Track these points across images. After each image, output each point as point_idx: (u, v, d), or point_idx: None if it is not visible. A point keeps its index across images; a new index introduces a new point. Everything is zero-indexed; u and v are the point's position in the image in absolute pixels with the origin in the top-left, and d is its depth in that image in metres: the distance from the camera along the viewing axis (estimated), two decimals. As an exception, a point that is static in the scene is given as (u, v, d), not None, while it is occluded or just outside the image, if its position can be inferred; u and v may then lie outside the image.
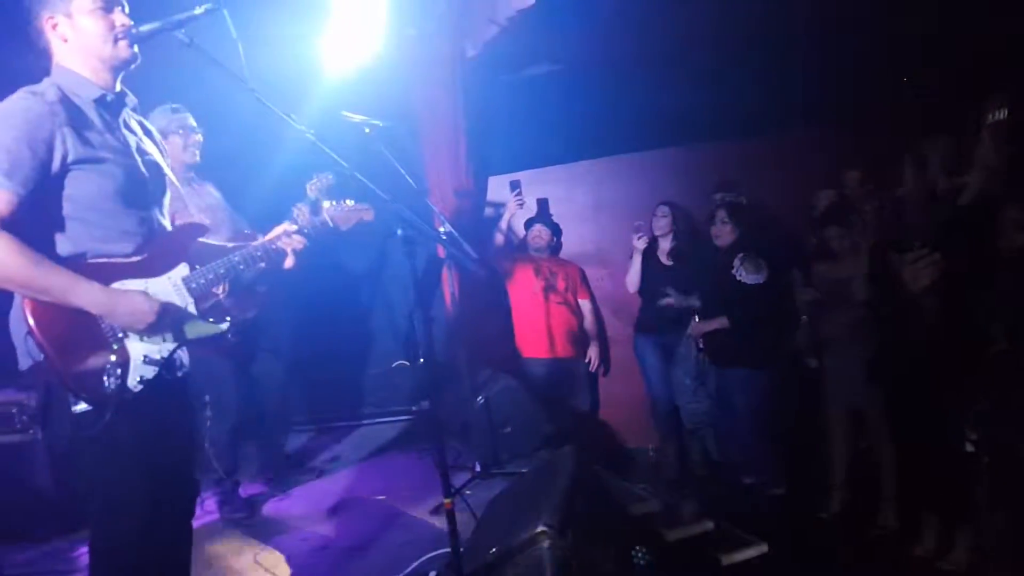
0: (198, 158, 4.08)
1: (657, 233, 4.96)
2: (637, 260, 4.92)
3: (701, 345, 4.58)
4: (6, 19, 2.20)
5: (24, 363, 2.06)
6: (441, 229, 3.82)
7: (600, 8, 4.81)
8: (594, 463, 3.75)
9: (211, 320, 2.26)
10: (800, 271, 4.42)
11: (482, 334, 5.25)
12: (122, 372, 2.04)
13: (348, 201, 2.61)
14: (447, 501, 2.72)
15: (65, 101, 2.05)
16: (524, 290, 5.09)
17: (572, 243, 5.47)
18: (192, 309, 2.22)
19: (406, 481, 4.75)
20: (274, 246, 2.42)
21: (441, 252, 5.28)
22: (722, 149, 5.36)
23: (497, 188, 5.64)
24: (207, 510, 4.27)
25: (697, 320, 4.57)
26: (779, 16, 4.97)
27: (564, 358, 5.05)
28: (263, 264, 2.41)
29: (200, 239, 2.33)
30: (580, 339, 5.15)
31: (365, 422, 6.32)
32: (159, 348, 2.12)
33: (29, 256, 1.92)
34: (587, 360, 5.16)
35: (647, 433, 5.17)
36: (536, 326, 5.03)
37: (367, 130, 3.31)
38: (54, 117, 1.99)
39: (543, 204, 5.44)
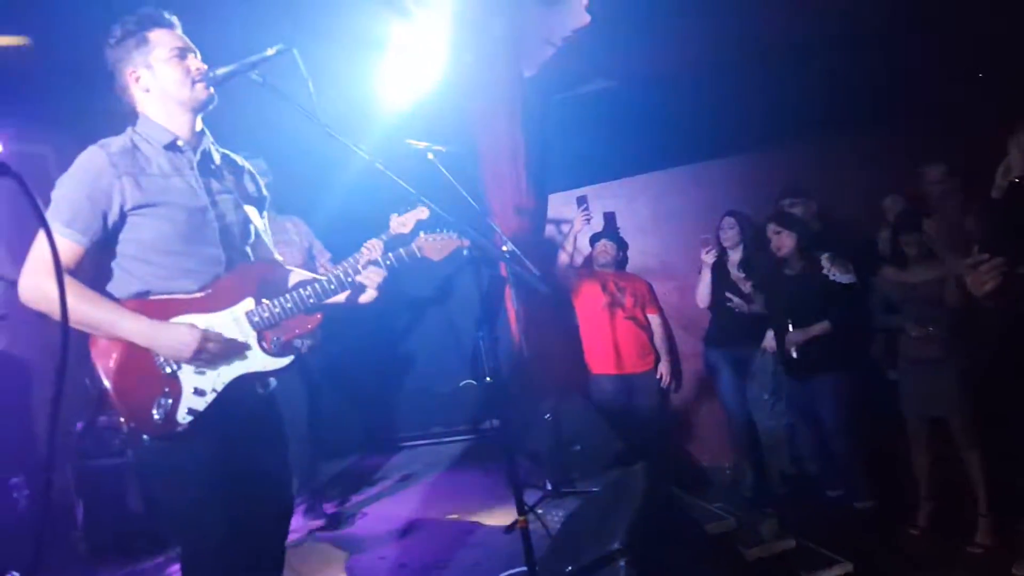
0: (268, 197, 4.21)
1: (726, 245, 4.88)
2: (706, 275, 4.85)
3: (795, 354, 4.35)
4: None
5: (94, 391, 2.15)
6: (504, 248, 3.86)
7: (654, 22, 4.81)
8: (667, 481, 3.70)
9: (274, 354, 2.27)
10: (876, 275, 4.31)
11: (548, 352, 5.25)
12: (172, 403, 2.10)
13: (444, 232, 2.59)
14: (521, 519, 2.72)
15: (132, 151, 2.18)
16: (591, 306, 5.07)
17: (635, 257, 5.44)
18: (252, 343, 2.24)
19: (477, 500, 4.77)
20: (350, 278, 2.40)
21: (504, 271, 5.33)
22: (786, 154, 5.27)
23: (557, 205, 5.66)
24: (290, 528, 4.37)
25: (792, 330, 4.38)
26: (845, 17, 4.87)
27: (634, 374, 5.00)
28: (338, 297, 2.40)
29: (271, 273, 2.37)
30: (650, 354, 5.09)
31: (434, 441, 6.38)
32: (212, 381, 2.16)
33: (78, 292, 2.04)
34: (658, 376, 5.11)
35: (722, 450, 5.08)
36: (604, 342, 5.00)
37: (430, 155, 3.39)
38: (114, 168, 2.11)
39: (610, 218, 5.42)
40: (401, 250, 2.53)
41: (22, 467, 4.54)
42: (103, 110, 2.41)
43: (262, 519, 2.29)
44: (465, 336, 6.29)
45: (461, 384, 6.58)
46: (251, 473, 2.23)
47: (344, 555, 4.10)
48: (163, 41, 2.24)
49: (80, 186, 2.09)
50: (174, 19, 2.31)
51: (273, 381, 2.40)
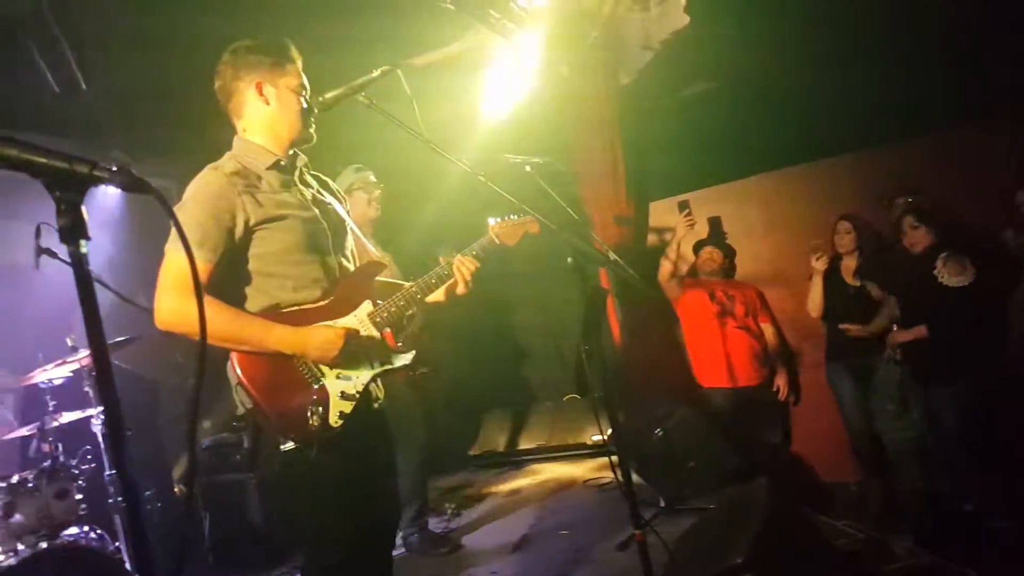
0: (379, 212, 4.35)
1: (841, 251, 4.64)
2: (818, 283, 4.61)
3: (899, 356, 4.17)
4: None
5: (240, 410, 2.24)
6: (609, 258, 3.81)
7: (756, 20, 4.66)
8: (790, 497, 3.53)
9: (399, 350, 2.36)
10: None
11: (654, 364, 5.14)
12: (323, 410, 2.16)
13: (512, 216, 2.63)
14: (638, 533, 2.66)
15: (242, 171, 2.24)
16: (698, 317, 4.91)
17: (745, 263, 5.24)
18: (379, 343, 2.33)
19: (586, 515, 4.70)
20: (446, 272, 2.47)
21: (605, 282, 5.26)
22: (901, 150, 4.96)
23: (660, 213, 5.54)
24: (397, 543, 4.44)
25: (896, 329, 4.18)
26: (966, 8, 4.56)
27: (748, 387, 4.79)
28: (438, 294, 2.49)
29: (378, 276, 2.47)
30: (764, 366, 4.88)
31: (541, 456, 6.35)
32: (353, 384, 2.23)
33: (227, 312, 2.11)
34: (774, 388, 4.89)
35: (846, 465, 4.80)
36: (714, 354, 4.82)
37: (528, 168, 3.38)
38: (233, 188, 2.17)
39: (715, 224, 5.25)
40: (483, 240, 2.58)
41: (153, 481, 4.81)
42: (215, 142, 2.51)
43: (377, 532, 2.35)
44: (568, 349, 6.24)
45: (566, 398, 6.53)
46: (371, 486, 2.30)
47: (456, 571, 4.12)
48: (295, 73, 2.32)
49: (204, 207, 2.13)
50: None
51: (382, 394, 2.43)
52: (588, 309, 3.68)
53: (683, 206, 4.94)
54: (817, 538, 3.21)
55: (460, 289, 2.50)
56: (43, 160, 1.12)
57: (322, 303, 2.27)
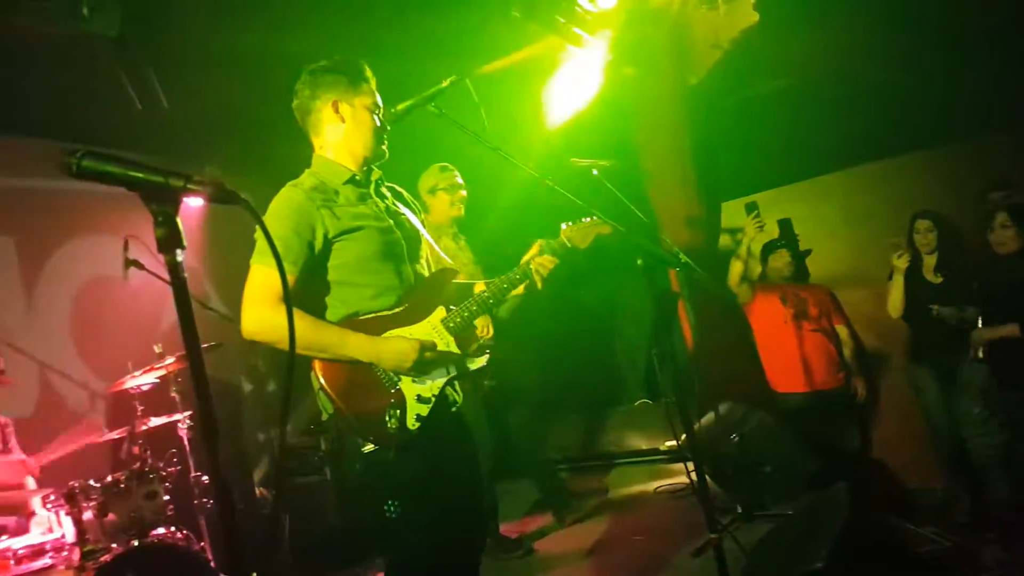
0: (463, 212, 4.41)
1: (921, 249, 4.48)
2: (898, 282, 4.45)
3: (981, 355, 4.00)
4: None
5: (324, 416, 2.33)
6: (680, 260, 3.77)
7: (828, 12, 4.54)
8: (872, 503, 3.43)
9: (471, 356, 2.42)
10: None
11: (726, 368, 5.05)
12: (401, 413, 2.24)
13: (584, 219, 2.64)
14: (713, 536, 2.63)
15: (320, 187, 2.34)
16: (771, 320, 4.80)
17: (824, 264, 5.11)
18: (453, 347, 2.38)
19: (660, 522, 4.65)
20: (517, 276, 2.50)
21: (675, 285, 5.20)
22: (990, 144, 4.76)
23: (731, 213, 5.44)
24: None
25: (981, 325, 4.01)
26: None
27: (825, 390, 4.66)
28: (514, 292, 2.51)
29: (453, 281, 2.52)
30: (841, 369, 4.75)
31: (612, 462, 6.30)
32: (429, 387, 2.30)
33: (306, 321, 2.20)
34: (851, 391, 4.75)
35: (931, 471, 4.62)
36: (789, 357, 4.71)
37: (595, 171, 3.38)
38: (312, 203, 2.27)
39: (785, 226, 5.14)
40: (553, 242, 2.59)
41: (235, 484, 4.97)
42: (289, 157, 2.61)
43: (461, 535, 2.39)
44: (639, 353, 6.19)
45: (638, 403, 6.47)
46: (453, 487, 2.34)
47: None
48: (369, 92, 2.41)
49: (285, 221, 2.23)
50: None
51: (460, 398, 2.49)
52: (658, 312, 3.66)
53: (751, 208, 4.82)
54: (900, 545, 3.12)
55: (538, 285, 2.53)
56: (141, 175, 1.18)
57: (397, 310, 2.34)
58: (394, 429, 2.21)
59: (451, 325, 2.38)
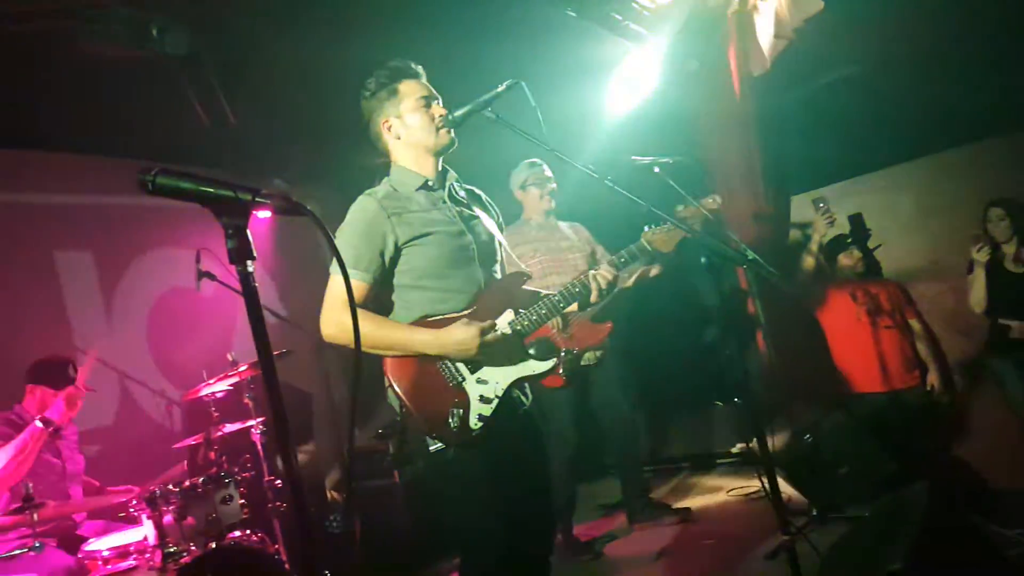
0: (553, 205, 4.53)
1: (998, 239, 4.29)
2: (980, 276, 4.27)
3: None
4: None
5: (396, 415, 2.40)
6: (748, 257, 3.69)
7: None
8: (954, 504, 3.28)
9: (538, 358, 2.43)
10: None
11: (798, 368, 4.91)
12: (463, 412, 2.30)
13: (666, 224, 2.63)
14: (786, 538, 2.57)
15: (393, 195, 2.45)
16: (843, 318, 4.65)
17: (898, 257, 4.94)
18: (519, 349, 2.42)
19: (732, 525, 4.56)
20: (587, 282, 2.52)
21: (744, 283, 5.09)
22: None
23: (802, 207, 5.30)
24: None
25: None
26: None
27: (902, 389, 4.51)
28: (579, 298, 2.52)
29: (523, 286, 2.54)
30: (916, 366, 4.58)
31: (683, 465, 6.21)
32: (492, 388, 2.34)
33: (375, 321, 2.35)
34: (928, 388, 4.57)
35: (1018, 469, 4.41)
36: (864, 356, 4.55)
37: (656, 169, 3.34)
38: (384, 211, 2.38)
39: (855, 221, 4.97)
40: (632, 246, 2.61)
41: (307, 487, 5.07)
42: (358, 165, 2.67)
43: (530, 536, 2.41)
44: (709, 353, 6.06)
45: (709, 405, 6.34)
46: (521, 489, 2.38)
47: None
48: (411, 91, 2.48)
49: (357, 230, 2.38)
50: (420, 69, 2.54)
51: (528, 400, 2.53)
52: (727, 312, 3.58)
53: (818, 203, 4.67)
54: (984, 547, 2.97)
55: (593, 297, 2.54)
56: (212, 190, 1.22)
57: (465, 312, 2.40)
58: (456, 428, 2.28)
59: (519, 327, 2.42)
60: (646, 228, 2.64)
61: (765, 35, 4.71)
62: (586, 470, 5.07)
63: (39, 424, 3.56)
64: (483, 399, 2.33)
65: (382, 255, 2.37)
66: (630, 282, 4.17)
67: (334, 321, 2.32)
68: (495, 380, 2.36)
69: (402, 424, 2.38)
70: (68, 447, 4.00)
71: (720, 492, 5.37)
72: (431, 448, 2.30)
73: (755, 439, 2.91)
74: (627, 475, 4.75)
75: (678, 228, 2.62)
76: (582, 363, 4.40)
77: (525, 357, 2.42)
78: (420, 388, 2.32)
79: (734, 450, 5.87)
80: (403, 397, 2.31)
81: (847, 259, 4.73)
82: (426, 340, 2.32)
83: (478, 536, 2.31)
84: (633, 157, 3.35)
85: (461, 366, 2.36)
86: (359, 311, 2.21)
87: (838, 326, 4.69)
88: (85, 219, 5.03)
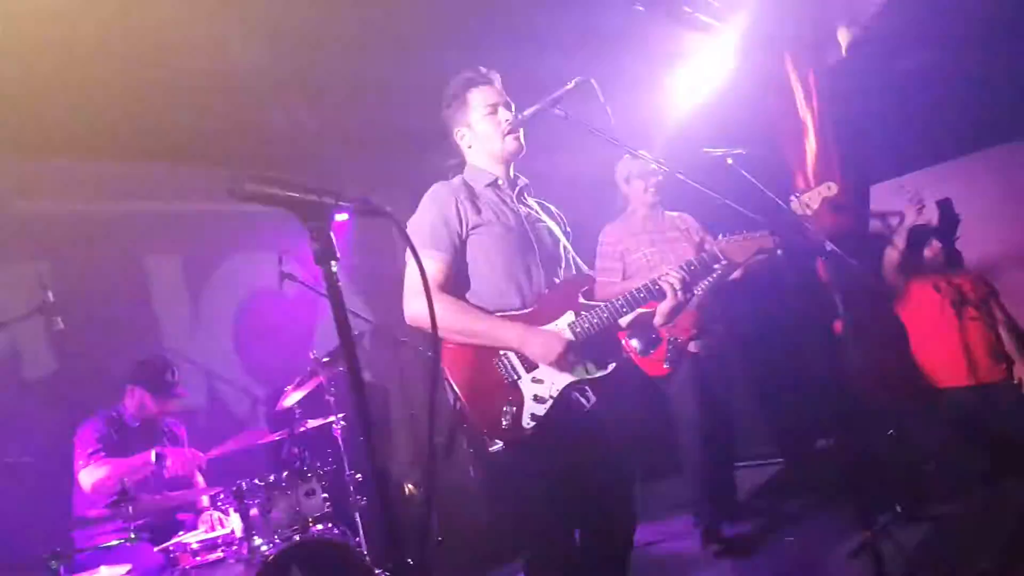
0: (657, 196, 4.48)
1: None
2: None
3: None
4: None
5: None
6: (826, 248, 3.60)
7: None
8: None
9: (595, 363, 2.40)
10: None
11: (881, 362, 4.75)
12: (516, 410, 2.29)
13: (742, 233, 2.54)
14: (869, 536, 2.51)
15: (464, 186, 2.52)
16: (926, 310, 4.48)
17: (982, 246, 4.72)
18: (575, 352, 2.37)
19: (813, 522, 4.45)
20: (657, 286, 2.45)
21: (823, 274, 4.96)
22: None
23: (881, 196, 5.13)
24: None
25: None
26: None
27: (989, 382, 4.31)
28: (644, 303, 2.45)
29: (586, 288, 2.51)
30: (1003, 359, 4.38)
31: (763, 462, 6.08)
32: (547, 388, 2.32)
33: (457, 305, 2.37)
34: (1015, 381, 4.37)
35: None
36: (951, 350, 4.38)
37: (729, 160, 3.30)
38: (456, 194, 2.45)
39: (945, 208, 4.76)
40: (703, 254, 2.53)
41: (386, 480, 5.19)
42: (431, 169, 2.74)
43: (601, 535, 2.40)
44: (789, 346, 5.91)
45: (788, 402, 6.19)
46: (588, 488, 2.36)
47: (677, 574, 4.07)
48: (479, 100, 2.53)
49: (432, 212, 2.43)
50: (492, 74, 2.58)
51: (588, 402, 2.49)
52: (803, 304, 3.50)
53: (903, 190, 4.50)
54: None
55: (667, 303, 2.46)
56: (298, 195, 1.28)
57: (524, 311, 2.40)
58: (507, 427, 2.27)
59: (577, 330, 2.38)
60: (721, 236, 2.55)
61: (839, 22, 4.59)
62: (661, 466, 5.01)
63: (152, 459, 3.76)
64: (537, 399, 2.31)
65: (456, 236, 2.42)
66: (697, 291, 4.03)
67: (415, 307, 2.35)
68: (551, 380, 2.33)
69: (455, 416, 2.36)
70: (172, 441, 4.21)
71: (800, 489, 5.25)
72: (492, 449, 2.29)
73: (836, 436, 2.86)
74: (712, 472, 4.66)
75: (753, 239, 2.51)
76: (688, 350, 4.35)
77: (579, 361, 2.38)
78: (475, 382, 2.32)
79: (816, 445, 5.71)
80: (457, 389, 2.31)
81: (929, 250, 4.56)
82: (513, 332, 2.32)
83: (536, 535, 2.31)
84: (705, 149, 3.32)
85: (518, 364, 2.35)
86: (444, 296, 2.31)
87: (921, 318, 4.53)
88: (173, 225, 5.27)
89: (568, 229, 2.74)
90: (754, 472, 5.75)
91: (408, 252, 2.26)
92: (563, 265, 2.60)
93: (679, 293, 2.43)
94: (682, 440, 4.43)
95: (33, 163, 4.58)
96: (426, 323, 2.25)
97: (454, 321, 2.31)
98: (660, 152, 4.37)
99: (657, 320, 2.50)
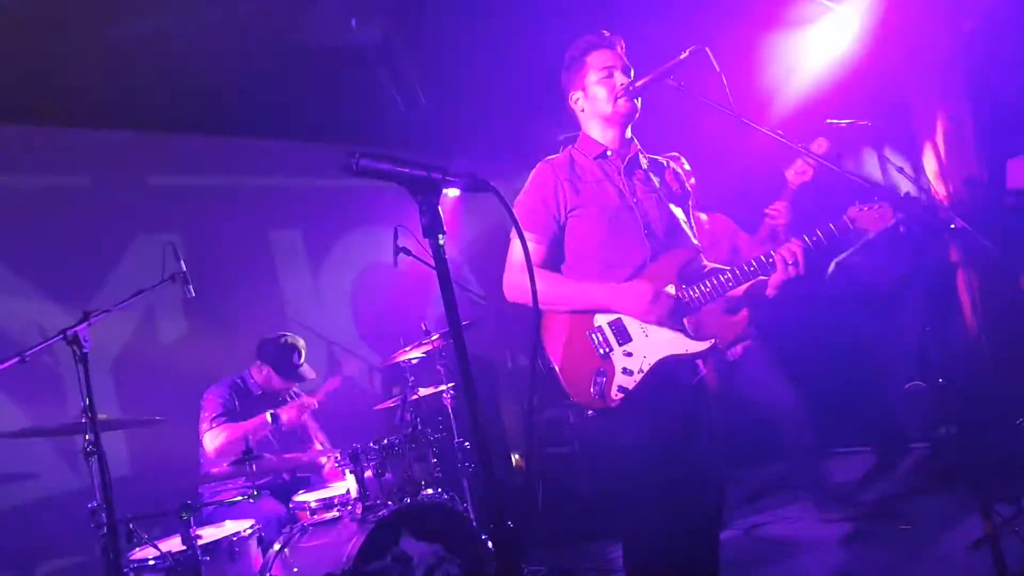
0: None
1: None
2: None
3: None
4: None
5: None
6: (952, 226, 3.38)
7: None
8: None
9: (695, 337, 2.35)
10: None
11: (1014, 347, 4.44)
12: (605, 381, 2.32)
13: (877, 202, 2.38)
14: (991, 527, 2.38)
15: (570, 163, 2.53)
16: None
17: None
18: (676, 324, 2.36)
19: (932, 510, 4.25)
20: (769, 259, 2.37)
21: (954, 255, 4.66)
22: None
23: (1022, 171, 4.75)
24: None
25: None
26: None
27: None
28: (757, 278, 2.39)
29: (691, 261, 2.47)
30: None
31: (878, 448, 5.82)
32: (639, 362, 2.33)
33: (554, 278, 2.45)
34: None
35: None
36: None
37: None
38: (557, 176, 2.48)
39: None
40: (831, 224, 2.40)
41: (493, 451, 5.31)
42: (532, 141, 2.76)
43: (693, 510, 2.38)
44: (909, 331, 5.62)
45: (908, 386, 5.89)
46: (682, 461, 2.34)
47: (781, 559, 4.01)
48: (597, 63, 2.50)
49: (532, 196, 2.50)
50: (615, 38, 2.53)
51: (702, 368, 2.49)
52: (932, 285, 3.31)
53: None
54: None
55: (776, 279, 2.37)
56: (408, 170, 1.33)
57: (626, 283, 2.40)
58: (596, 396, 2.31)
59: (679, 296, 2.37)
60: (856, 204, 2.39)
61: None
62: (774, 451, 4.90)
63: (269, 419, 3.96)
64: (626, 371, 2.32)
65: (556, 219, 2.46)
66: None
67: (514, 283, 2.45)
68: (643, 354, 2.33)
69: (539, 382, 2.44)
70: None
71: (918, 478, 5.01)
72: (588, 412, 2.36)
73: (958, 423, 2.71)
74: (807, 461, 4.54)
75: (888, 206, 2.35)
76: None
77: (679, 335, 2.35)
78: (571, 354, 2.37)
79: (937, 433, 5.41)
80: (551, 357, 2.38)
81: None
82: (605, 293, 2.36)
83: (633, 505, 2.33)
84: (828, 120, 3.21)
85: (611, 337, 2.36)
86: (537, 272, 2.28)
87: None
88: (294, 200, 5.54)
89: (688, 186, 2.68)
90: (866, 458, 5.55)
91: (514, 229, 2.37)
92: (672, 234, 2.51)
93: (790, 268, 2.32)
94: (782, 425, 4.34)
95: (166, 139, 4.90)
96: (524, 297, 2.38)
97: (560, 294, 2.39)
98: (779, 124, 4.23)
99: (769, 292, 2.42)
